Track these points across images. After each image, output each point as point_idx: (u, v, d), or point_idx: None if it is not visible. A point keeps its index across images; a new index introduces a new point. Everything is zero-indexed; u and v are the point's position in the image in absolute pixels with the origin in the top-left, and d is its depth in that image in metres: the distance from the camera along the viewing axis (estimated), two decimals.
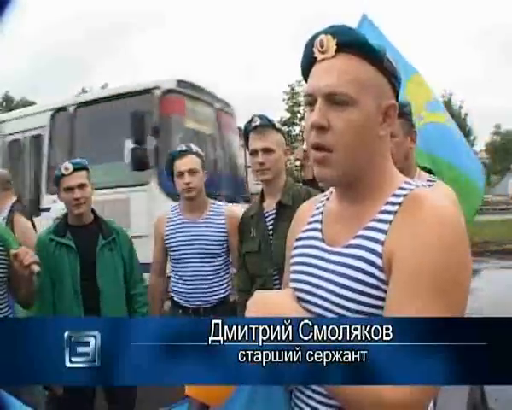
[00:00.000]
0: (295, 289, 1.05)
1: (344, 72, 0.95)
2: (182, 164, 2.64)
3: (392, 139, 1.12)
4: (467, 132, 31.94)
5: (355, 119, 0.95)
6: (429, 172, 2.39)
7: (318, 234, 1.07)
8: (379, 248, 0.93)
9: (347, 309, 0.94)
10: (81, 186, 2.52)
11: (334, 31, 0.97)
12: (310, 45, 1.01)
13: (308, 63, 1.02)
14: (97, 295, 2.51)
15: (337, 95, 0.95)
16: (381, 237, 0.94)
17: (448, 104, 29.60)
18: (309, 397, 0.99)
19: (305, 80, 1.03)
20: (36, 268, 2.12)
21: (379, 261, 0.92)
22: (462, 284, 0.88)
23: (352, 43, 0.96)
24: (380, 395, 0.80)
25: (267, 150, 2.34)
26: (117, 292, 2.60)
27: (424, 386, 0.81)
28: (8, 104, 37.40)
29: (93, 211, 2.67)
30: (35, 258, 2.14)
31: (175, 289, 2.73)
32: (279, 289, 1.32)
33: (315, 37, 1.00)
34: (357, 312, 0.92)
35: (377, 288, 0.92)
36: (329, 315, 0.96)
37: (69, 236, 2.55)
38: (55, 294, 2.50)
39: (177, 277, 2.73)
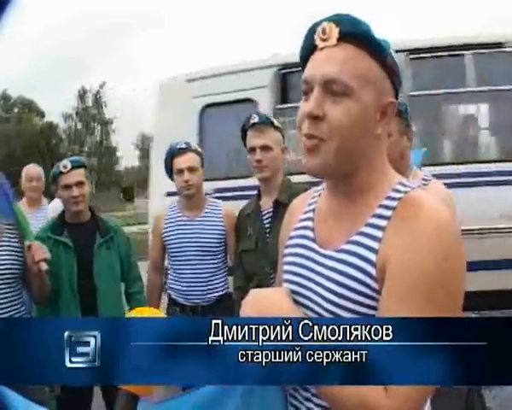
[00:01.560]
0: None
1: (344, 61, 0.91)
2: (181, 161, 2.63)
3: (387, 138, 1.11)
4: None
5: (352, 111, 0.90)
6: None
7: (310, 233, 1.04)
8: (373, 256, 0.90)
9: (336, 316, 0.92)
10: (79, 184, 2.52)
11: (338, 19, 0.93)
12: (311, 32, 0.96)
13: (308, 51, 0.97)
14: (94, 294, 2.51)
15: (335, 83, 0.90)
16: (374, 245, 0.91)
17: None
18: (306, 399, 0.98)
19: (303, 69, 0.98)
20: (44, 266, 2.13)
21: (373, 271, 0.89)
22: (457, 290, 0.87)
23: (355, 33, 0.91)
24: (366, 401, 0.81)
25: (265, 148, 2.34)
26: (114, 290, 2.61)
27: (420, 393, 0.83)
28: (6, 103, 37.30)
29: (91, 209, 2.66)
30: (46, 255, 2.14)
31: (173, 286, 2.73)
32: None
33: (317, 24, 0.95)
34: None
35: (370, 297, 0.90)
36: None
37: (66, 234, 2.54)
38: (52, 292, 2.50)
39: (174, 274, 2.72)
